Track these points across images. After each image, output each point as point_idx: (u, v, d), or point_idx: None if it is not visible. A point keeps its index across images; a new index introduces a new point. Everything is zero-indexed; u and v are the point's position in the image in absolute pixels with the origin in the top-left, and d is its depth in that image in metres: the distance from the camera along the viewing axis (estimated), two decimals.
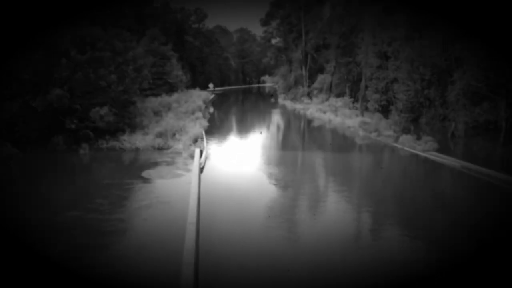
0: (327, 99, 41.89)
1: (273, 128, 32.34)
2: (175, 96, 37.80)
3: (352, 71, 40.47)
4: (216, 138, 24.04)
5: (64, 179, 14.55)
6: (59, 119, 19.75)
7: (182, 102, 34.43)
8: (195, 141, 20.67)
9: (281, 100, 54.38)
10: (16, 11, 18.94)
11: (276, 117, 39.81)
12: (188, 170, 14.92)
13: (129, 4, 54.77)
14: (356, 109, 34.27)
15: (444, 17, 26.05)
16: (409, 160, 18.43)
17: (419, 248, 8.93)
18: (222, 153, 20.31)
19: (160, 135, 20.63)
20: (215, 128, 28.87)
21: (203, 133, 23.08)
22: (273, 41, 63.75)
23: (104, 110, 19.65)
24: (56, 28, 20.33)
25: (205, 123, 28.04)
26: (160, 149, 19.23)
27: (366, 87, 33.56)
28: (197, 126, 23.88)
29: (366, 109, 33.42)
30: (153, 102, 31.96)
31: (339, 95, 41.92)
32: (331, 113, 34.34)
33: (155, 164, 16.29)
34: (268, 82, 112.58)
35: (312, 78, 50.42)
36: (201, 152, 17.71)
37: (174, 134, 21.25)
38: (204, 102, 43.88)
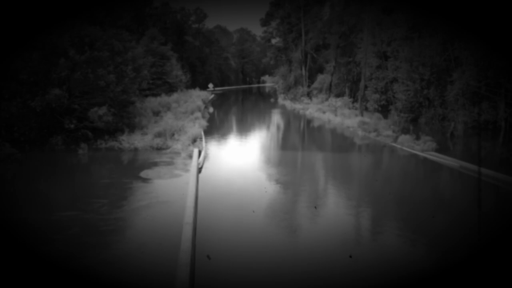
0: (326, 99, 41.91)
1: (271, 128, 32.33)
2: (174, 96, 37.82)
3: (352, 71, 40.47)
4: (215, 138, 24.04)
5: (62, 179, 14.54)
6: (58, 119, 19.76)
7: (181, 102, 34.44)
8: (194, 141, 20.65)
9: (281, 100, 54.36)
10: (15, 11, 18.93)
11: (275, 117, 39.80)
12: (187, 170, 14.90)
13: (129, 4, 54.85)
14: (356, 109, 34.25)
15: (444, 17, 26.04)
16: (408, 160, 18.41)
17: (417, 248, 8.92)
18: (221, 153, 20.31)
19: (159, 135, 20.62)
20: (214, 128, 28.87)
21: (202, 133, 23.06)
22: (273, 41, 63.77)
23: (102, 110, 19.64)
24: (55, 28, 20.33)
25: (204, 123, 28.03)
26: (158, 149, 19.21)
27: (366, 87, 33.55)
28: (196, 126, 23.86)
29: (366, 109, 33.40)
30: (152, 102, 31.98)
31: (339, 95, 41.93)
32: (331, 113, 34.32)
33: (154, 164, 16.27)
34: (268, 82, 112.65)
35: (312, 78, 50.43)
36: (200, 152, 17.69)
37: (173, 134, 21.24)
38: (204, 102, 43.89)
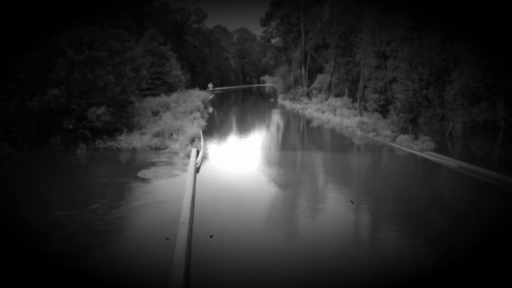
0: (326, 99, 41.86)
1: (269, 128, 32.32)
2: (174, 96, 37.84)
3: (351, 71, 40.47)
4: (214, 138, 24.04)
5: (59, 179, 14.54)
6: (57, 119, 19.77)
7: (180, 102, 34.46)
8: (193, 141, 20.65)
9: (280, 100, 54.36)
10: (16, 11, 18.95)
11: (274, 117, 39.79)
12: (185, 170, 14.90)
13: (129, 4, 54.89)
14: (355, 109, 34.24)
15: (443, 17, 26.03)
16: (406, 160, 18.40)
17: (414, 247, 8.91)
18: (219, 152, 20.31)
19: (157, 135, 20.62)
20: (213, 129, 28.87)
21: (201, 133, 23.06)
22: (273, 41, 63.68)
23: (101, 110, 19.65)
24: (55, 28, 20.35)
25: (203, 123, 28.04)
26: (157, 149, 19.21)
27: (365, 86, 33.54)
28: (195, 126, 23.86)
29: (365, 109, 33.40)
30: (151, 102, 31.99)
31: (339, 95, 41.91)
32: (330, 113, 34.32)
33: (152, 164, 16.27)
34: (268, 82, 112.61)
35: (311, 78, 50.41)
36: (198, 152, 17.69)
37: (171, 134, 21.23)
38: (203, 102, 43.90)
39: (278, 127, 32.42)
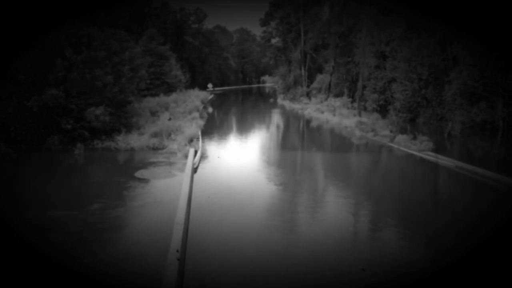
0: (326, 99, 41.86)
1: (268, 128, 32.29)
2: (173, 96, 37.87)
3: (351, 71, 40.45)
4: (212, 139, 24.04)
5: (56, 179, 14.55)
6: (55, 119, 19.77)
7: (180, 102, 34.48)
8: (191, 141, 20.65)
9: (280, 100, 54.37)
10: (17, 11, 18.96)
11: (273, 118, 39.78)
12: (182, 170, 14.89)
13: (128, 4, 54.95)
14: (355, 109, 34.23)
15: (442, 16, 26.02)
16: (403, 160, 18.39)
17: (411, 247, 8.90)
18: (217, 153, 20.29)
19: (155, 135, 20.62)
20: (211, 129, 28.88)
21: (199, 133, 23.06)
22: (273, 41, 63.68)
23: (99, 110, 19.65)
24: (55, 28, 20.35)
25: (201, 123, 28.04)
26: (155, 149, 19.22)
27: (364, 86, 33.51)
28: (193, 126, 23.86)
29: (365, 109, 33.38)
30: (150, 102, 32.01)
31: (338, 95, 41.89)
32: (329, 113, 34.31)
33: (149, 164, 16.27)
34: (268, 82, 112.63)
35: (311, 78, 50.41)
36: (196, 152, 17.68)
37: (169, 134, 21.23)
38: (203, 102, 43.92)
39: (276, 128, 32.41)
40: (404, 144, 20.04)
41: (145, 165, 16.09)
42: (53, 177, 14.94)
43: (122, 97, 22.35)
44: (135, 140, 19.62)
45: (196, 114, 30.16)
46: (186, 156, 17.21)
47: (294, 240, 9.24)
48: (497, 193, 13.23)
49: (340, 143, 23.94)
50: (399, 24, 30.76)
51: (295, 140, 25.78)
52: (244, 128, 31.60)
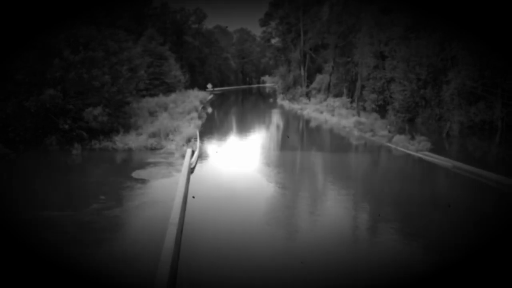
0: (325, 99, 41.83)
1: (266, 129, 32.28)
2: (172, 96, 37.88)
3: (350, 71, 40.44)
4: (210, 139, 24.04)
5: (53, 179, 14.55)
6: (53, 119, 19.78)
7: (179, 102, 34.48)
8: (189, 141, 20.66)
9: (279, 100, 54.38)
10: (18, 11, 18.98)
11: (272, 118, 39.77)
12: (179, 171, 14.90)
13: (128, 4, 54.94)
14: (354, 109, 34.22)
15: (442, 16, 26.00)
16: (401, 160, 18.38)
17: (405, 245, 8.90)
18: (215, 153, 20.29)
19: (153, 135, 20.63)
20: (209, 129, 28.89)
21: (197, 133, 23.07)
22: (272, 41, 63.63)
23: (97, 110, 19.65)
24: (55, 28, 20.36)
25: (200, 123, 28.04)
26: (153, 149, 19.22)
27: (363, 86, 33.50)
28: (192, 127, 23.87)
29: (364, 109, 33.37)
30: (149, 102, 32.03)
31: (338, 95, 41.87)
32: (328, 113, 34.29)
33: (147, 164, 16.28)
34: (268, 82, 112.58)
35: (310, 78, 50.38)
36: (193, 152, 17.69)
37: (167, 135, 21.24)
38: (202, 102, 43.94)
39: (274, 128, 32.39)
40: (402, 144, 20.03)
41: (143, 165, 16.09)
42: (49, 177, 14.93)
43: (120, 97, 22.37)
44: (133, 140, 19.63)
45: (195, 115, 30.17)
46: (183, 156, 17.21)
47: (290, 240, 9.24)
48: (494, 193, 13.22)
49: (337, 143, 23.93)
50: (399, 24, 30.75)
51: (293, 140, 25.77)
52: (242, 129, 31.60)
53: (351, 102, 37.42)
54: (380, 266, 7.86)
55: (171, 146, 19.29)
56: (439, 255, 8.45)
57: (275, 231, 9.66)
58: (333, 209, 11.55)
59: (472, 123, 24.34)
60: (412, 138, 20.59)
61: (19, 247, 8.42)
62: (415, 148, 19.08)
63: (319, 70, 49.69)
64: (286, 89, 54.42)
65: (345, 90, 41.32)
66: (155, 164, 16.31)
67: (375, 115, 29.36)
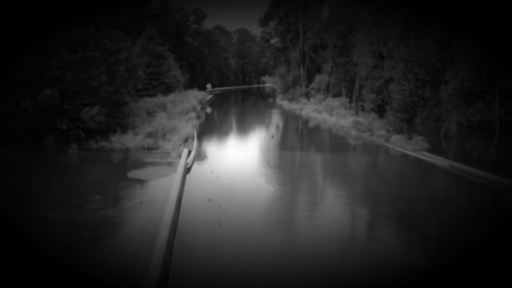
0: (324, 99, 41.80)
1: (265, 128, 32.22)
2: (171, 96, 37.84)
3: (350, 71, 40.42)
4: (208, 139, 24.02)
5: (49, 179, 14.54)
6: (50, 119, 19.78)
7: (177, 102, 34.46)
8: (186, 141, 20.64)
9: (279, 100, 54.35)
10: (18, 11, 18.97)
11: (271, 118, 39.72)
12: (175, 171, 14.87)
13: (128, 4, 54.96)
14: (353, 109, 34.18)
15: (440, 16, 25.97)
16: (398, 160, 18.35)
17: (401, 244, 8.88)
18: (212, 153, 20.28)
19: (150, 135, 20.60)
20: (207, 129, 28.87)
21: (195, 133, 23.04)
22: (272, 41, 63.66)
23: (95, 110, 19.64)
24: (55, 28, 20.35)
25: (198, 123, 28.02)
26: (149, 149, 19.20)
27: (362, 86, 33.47)
28: (189, 127, 23.85)
29: (363, 109, 33.33)
30: (148, 102, 32.00)
31: (337, 95, 41.83)
32: (326, 113, 34.26)
33: (143, 164, 16.27)
34: (268, 83, 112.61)
35: (310, 78, 50.36)
36: (189, 152, 17.66)
37: (165, 135, 21.21)
38: (201, 102, 43.92)
39: (273, 128, 32.34)
40: (399, 144, 20.00)
41: (139, 165, 16.08)
42: (45, 177, 14.93)
43: (118, 97, 22.36)
44: (130, 140, 19.60)
45: (193, 114, 30.16)
46: (180, 156, 17.18)
47: (284, 240, 9.21)
48: (491, 193, 13.17)
49: (335, 143, 23.90)
50: (397, 24, 30.73)
51: (291, 140, 25.74)
52: (240, 129, 31.58)
53: (350, 102, 37.39)
54: (375, 265, 7.83)
55: (168, 146, 19.26)
56: (435, 254, 8.42)
57: (271, 232, 9.63)
58: (329, 209, 11.52)
59: (470, 123, 24.30)
60: (410, 138, 20.56)
61: (13, 247, 8.40)
62: (413, 148, 19.05)
63: (319, 70, 49.68)
64: (286, 89, 54.40)
65: (344, 90, 41.30)
66: (151, 164, 16.29)
67: (373, 115, 29.32)
